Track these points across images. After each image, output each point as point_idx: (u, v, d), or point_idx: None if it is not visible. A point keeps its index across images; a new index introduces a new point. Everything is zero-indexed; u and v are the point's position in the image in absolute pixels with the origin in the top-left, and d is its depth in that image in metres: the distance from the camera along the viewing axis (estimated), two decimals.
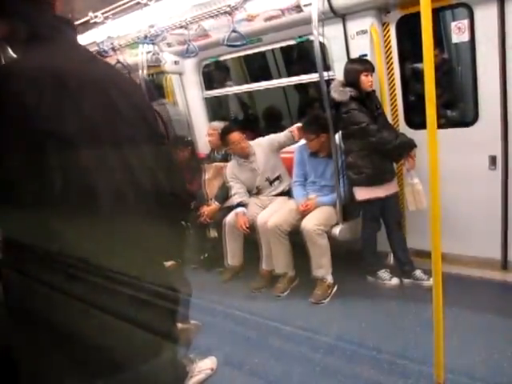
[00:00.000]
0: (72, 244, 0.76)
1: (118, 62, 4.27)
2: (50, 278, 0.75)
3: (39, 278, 0.75)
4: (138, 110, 0.92)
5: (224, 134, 3.74)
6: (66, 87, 0.77)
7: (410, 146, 2.92)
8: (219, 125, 4.09)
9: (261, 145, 3.72)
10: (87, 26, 4.18)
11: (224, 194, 3.92)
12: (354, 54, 3.12)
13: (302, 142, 3.53)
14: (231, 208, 3.73)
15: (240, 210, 3.63)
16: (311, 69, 3.47)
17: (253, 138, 3.80)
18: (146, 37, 3.82)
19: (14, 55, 0.78)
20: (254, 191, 3.80)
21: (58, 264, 0.76)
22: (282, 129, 4.62)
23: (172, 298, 0.97)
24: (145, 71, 4.04)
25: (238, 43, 3.39)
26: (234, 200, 3.75)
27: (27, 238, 0.73)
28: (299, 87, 4.75)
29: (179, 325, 1.96)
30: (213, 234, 3.93)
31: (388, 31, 3.08)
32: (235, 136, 3.60)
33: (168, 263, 1.12)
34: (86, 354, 0.79)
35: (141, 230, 0.87)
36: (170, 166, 1.02)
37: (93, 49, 4.36)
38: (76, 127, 0.77)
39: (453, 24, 2.83)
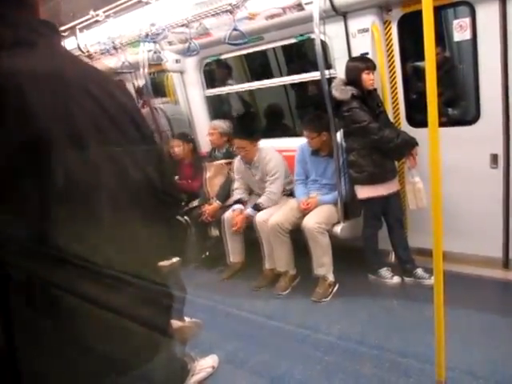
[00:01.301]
0: (67, 243, 0.77)
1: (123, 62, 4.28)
2: (47, 276, 0.76)
3: (36, 276, 0.75)
4: (125, 110, 0.92)
5: (232, 136, 3.81)
6: (53, 92, 0.77)
7: (411, 144, 2.92)
8: (219, 124, 4.09)
9: (270, 157, 3.62)
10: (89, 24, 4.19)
11: (226, 192, 3.92)
12: (356, 53, 3.11)
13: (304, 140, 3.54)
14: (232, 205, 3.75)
15: (237, 207, 3.64)
16: (312, 67, 3.47)
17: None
18: (147, 35, 3.81)
19: None
20: (255, 192, 3.82)
21: (55, 263, 0.76)
22: (283, 127, 4.64)
23: (165, 296, 0.97)
24: (146, 70, 4.04)
25: (240, 41, 3.39)
26: (234, 196, 3.78)
27: (25, 238, 0.73)
28: (300, 85, 4.73)
29: (176, 323, 1.97)
30: (214, 232, 3.94)
31: (389, 29, 3.08)
32: (240, 143, 3.59)
33: (166, 262, 1.12)
34: (83, 355, 0.79)
35: (135, 229, 0.88)
36: (160, 164, 1.02)
37: (94, 47, 4.38)
38: (64, 131, 0.77)
39: (455, 22, 2.83)
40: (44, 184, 0.74)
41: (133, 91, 4.67)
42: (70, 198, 0.77)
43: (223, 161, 4.02)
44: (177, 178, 4.27)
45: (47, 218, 0.74)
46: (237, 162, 3.82)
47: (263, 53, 4.58)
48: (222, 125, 4.06)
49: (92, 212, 0.79)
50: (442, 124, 2.01)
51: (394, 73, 3.16)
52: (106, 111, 0.85)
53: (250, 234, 3.61)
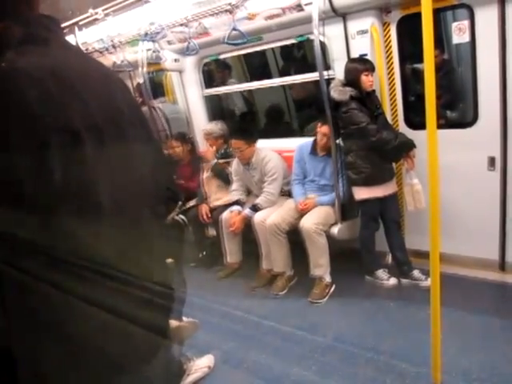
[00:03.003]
0: (72, 242, 0.76)
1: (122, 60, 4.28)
2: (48, 276, 0.75)
3: (38, 276, 0.75)
4: (133, 106, 0.92)
5: (228, 138, 3.80)
6: (73, 86, 0.78)
7: (409, 146, 2.92)
8: (212, 128, 4.06)
9: (269, 157, 3.61)
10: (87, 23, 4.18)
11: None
12: (355, 54, 3.12)
13: (302, 140, 3.55)
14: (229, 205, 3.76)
15: (235, 208, 3.64)
16: (311, 68, 3.47)
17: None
18: (146, 34, 3.81)
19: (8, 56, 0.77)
20: (254, 193, 3.82)
21: (57, 262, 0.76)
22: (282, 127, 4.64)
23: (167, 295, 0.97)
24: (145, 68, 4.04)
25: (239, 41, 3.38)
26: (232, 197, 3.77)
27: (27, 237, 0.73)
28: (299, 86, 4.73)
29: (174, 322, 1.97)
30: (211, 232, 3.94)
31: (388, 31, 3.08)
32: (237, 143, 3.58)
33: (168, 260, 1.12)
34: (84, 354, 0.79)
35: (139, 226, 0.88)
36: (162, 161, 1.03)
37: (93, 46, 4.37)
38: (84, 126, 0.77)
39: (453, 25, 2.83)
40: (56, 181, 0.74)
41: (131, 89, 4.67)
42: (77, 195, 0.77)
43: (221, 161, 4.01)
44: (175, 177, 4.26)
45: (53, 215, 0.74)
46: (235, 163, 3.82)
47: (262, 53, 4.58)
48: (215, 129, 4.03)
49: (98, 210, 0.79)
50: (440, 126, 2.01)
51: (393, 74, 3.16)
52: (116, 107, 0.85)
53: (247, 234, 3.61)
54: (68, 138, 0.74)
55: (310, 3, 2.88)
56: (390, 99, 3.22)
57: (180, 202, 4.00)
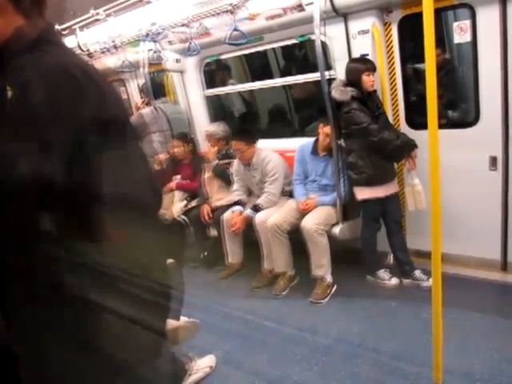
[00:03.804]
0: (77, 241, 0.77)
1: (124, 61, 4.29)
2: (49, 277, 0.76)
3: (39, 276, 0.75)
4: (124, 106, 0.95)
5: (230, 139, 3.82)
6: (100, 86, 0.80)
7: (410, 146, 2.92)
8: (214, 130, 4.06)
9: (269, 158, 3.61)
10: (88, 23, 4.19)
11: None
12: (356, 54, 3.12)
13: (304, 140, 3.54)
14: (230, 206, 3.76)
15: (237, 208, 3.64)
16: (312, 68, 3.47)
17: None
18: (147, 34, 3.82)
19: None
20: (255, 193, 3.82)
21: (59, 263, 0.76)
22: (283, 128, 4.64)
23: (164, 295, 0.97)
24: (146, 69, 4.04)
25: (240, 42, 3.39)
26: (234, 197, 3.78)
27: (31, 237, 0.74)
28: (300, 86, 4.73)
29: (172, 323, 1.97)
30: (213, 232, 3.94)
31: (390, 31, 3.08)
32: (237, 144, 3.59)
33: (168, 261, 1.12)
34: (85, 354, 0.79)
35: (135, 228, 0.88)
36: (146, 160, 1.05)
37: (94, 46, 4.39)
38: (114, 121, 0.79)
39: (455, 24, 2.83)
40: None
41: (136, 90, 4.72)
42: (78, 201, 0.77)
43: (222, 162, 4.01)
44: (179, 177, 4.27)
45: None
46: (236, 163, 3.82)
47: (263, 53, 4.58)
48: (217, 130, 4.03)
49: (100, 211, 0.80)
50: (441, 126, 2.01)
51: (394, 74, 3.16)
52: (122, 105, 0.87)
53: (249, 234, 3.61)
54: (109, 131, 0.76)
55: (311, 3, 2.88)
56: (392, 99, 3.22)
57: (183, 202, 4.06)
